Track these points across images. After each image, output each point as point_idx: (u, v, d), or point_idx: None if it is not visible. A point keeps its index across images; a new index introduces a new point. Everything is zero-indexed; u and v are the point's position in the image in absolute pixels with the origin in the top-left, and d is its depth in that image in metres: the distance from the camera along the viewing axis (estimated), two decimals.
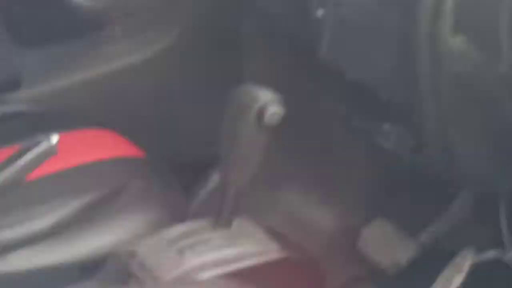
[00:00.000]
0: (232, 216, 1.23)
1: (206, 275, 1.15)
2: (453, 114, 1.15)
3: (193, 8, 1.65)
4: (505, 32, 1.06)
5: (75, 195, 1.29)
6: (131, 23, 1.61)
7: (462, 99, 1.14)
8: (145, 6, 1.54)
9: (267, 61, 1.60)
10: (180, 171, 1.48)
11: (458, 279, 1.23)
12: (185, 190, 1.49)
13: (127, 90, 1.65)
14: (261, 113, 1.12)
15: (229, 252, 1.18)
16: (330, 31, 1.30)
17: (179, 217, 1.33)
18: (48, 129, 1.12)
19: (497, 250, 1.29)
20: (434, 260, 1.31)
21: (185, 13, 1.64)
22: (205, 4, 1.67)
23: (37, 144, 1.02)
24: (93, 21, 1.55)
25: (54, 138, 1.02)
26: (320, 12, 1.27)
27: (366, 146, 1.44)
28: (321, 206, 1.57)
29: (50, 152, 1.03)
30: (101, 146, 1.43)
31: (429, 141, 1.20)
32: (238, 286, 1.15)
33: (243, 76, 1.50)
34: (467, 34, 1.11)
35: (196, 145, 1.57)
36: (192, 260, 1.16)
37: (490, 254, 1.29)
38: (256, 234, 1.25)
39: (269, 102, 1.13)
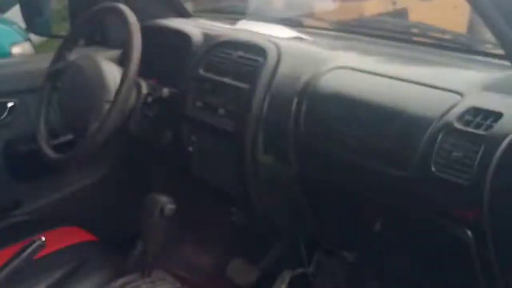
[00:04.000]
0: (151, 270, 1.78)
1: None
2: (267, 197, 1.75)
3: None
4: (293, 152, 1.62)
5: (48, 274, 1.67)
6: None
7: (272, 188, 1.73)
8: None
9: (169, 178, 2.11)
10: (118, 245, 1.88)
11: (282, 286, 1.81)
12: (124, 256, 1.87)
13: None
14: (162, 209, 1.71)
15: None
16: (196, 159, 1.88)
17: (121, 274, 1.75)
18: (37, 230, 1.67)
19: (303, 268, 1.85)
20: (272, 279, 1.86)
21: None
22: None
23: (33, 243, 1.50)
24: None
25: (43, 238, 1.52)
26: (190, 149, 1.87)
27: (225, 222, 1.92)
28: (204, 257, 2.10)
29: (42, 247, 1.51)
30: (66, 238, 1.82)
31: (257, 214, 1.77)
32: None
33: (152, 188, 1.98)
34: (273, 154, 1.69)
35: (127, 227, 1.92)
36: None
37: (299, 270, 1.84)
38: (166, 278, 1.81)
39: (166, 203, 1.72)
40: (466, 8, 3.18)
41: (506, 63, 1.35)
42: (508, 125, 1.21)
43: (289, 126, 1.62)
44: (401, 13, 4.46)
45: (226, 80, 1.77)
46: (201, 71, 1.85)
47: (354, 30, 2.11)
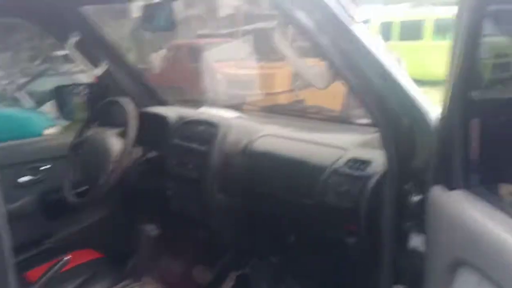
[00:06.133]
0: (141, 277, 1.73)
1: None
2: (221, 222, 1.69)
3: None
4: (238, 191, 1.61)
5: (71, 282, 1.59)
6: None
7: (224, 216, 1.67)
8: None
9: (154, 212, 1.98)
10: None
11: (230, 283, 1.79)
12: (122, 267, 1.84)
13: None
14: (148, 234, 1.69)
15: None
16: (173, 199, 1.79)
17: (120, 280, 1.67)
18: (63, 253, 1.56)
19: (244, 270, 1.80)
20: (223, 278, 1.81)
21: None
22: None
23: (60, 261, 1.45)
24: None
25: (68, 258, 1.48)
26: (169, 192, 1.81)
27: (192, 241, 1.90)
28: (177, 266, 1.95)
29: (67, 263, 1.47)
30: (82, 257, 1.73)
31: (214, 234, 1.76)
32: None
33: (142, 220, 1.94)
34: (225, 193, 1.64)
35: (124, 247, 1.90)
36: None
37: (241, 271, 1.80)
38: (151, 282, 1.76)
39: (151, 230, 1.69)
40: (341, 97, 3.31)
41: (372, 129, 1.36)
42: (375, 169, 1.24)
43: (234, 175, 1.61)
44: (301, 101, 4.69)
45: (193, 145, 1.74)
46: (176, 140, 1.81)
47: (273, 111, 2.13)
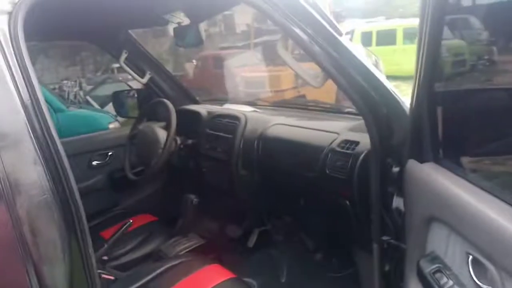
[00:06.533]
0: (188, 233, 1.71)
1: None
2: (244, 191, 1.65)
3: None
4: (256, 168, 1.55)
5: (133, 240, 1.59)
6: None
7: (246, 187, 1.62)
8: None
9: (194, 185, 1.92)
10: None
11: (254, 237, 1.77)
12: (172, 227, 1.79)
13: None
14: (191, 201, 1.68)
15: (187, 244, 1.67)
16: (207, 175, 1.77)
17: (171, 237, 1.69)
18: (126, 217, 1.58)
19: (265, 227, 1.78)
20: (249, 234, 1.78)
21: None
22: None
23: (125, 223, 1.50)
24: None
25: (131, 221, 1.52)
26: (204, 170, 1.79)
27: (224, 205, 1.84)
28: (214, 224, 1.94)
29: (130, 225, 1.51)
30: (141, 220, 1.72)
31: (239, 200, 1.70)
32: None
33: (185, 191, 1.85)
34: (246, 169, 1.61)
35: (173, 212, 1.83)
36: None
37: (263, 228, 1.77)
38: (195, 237, 1.72)
39: (193, 198, 1.68)
40: (333, 92, 3.26)
41: (358, 117, 1.34)
42: (362, 148, 1.21)
43: (253, 155, 1.58)
44: (303, 96, 4.61)
45: (221, 134, 1.72)
46: (207, 130, 1.79)
47: (281, 105, 2.10)
